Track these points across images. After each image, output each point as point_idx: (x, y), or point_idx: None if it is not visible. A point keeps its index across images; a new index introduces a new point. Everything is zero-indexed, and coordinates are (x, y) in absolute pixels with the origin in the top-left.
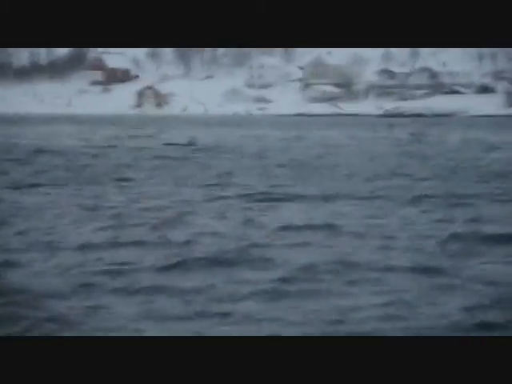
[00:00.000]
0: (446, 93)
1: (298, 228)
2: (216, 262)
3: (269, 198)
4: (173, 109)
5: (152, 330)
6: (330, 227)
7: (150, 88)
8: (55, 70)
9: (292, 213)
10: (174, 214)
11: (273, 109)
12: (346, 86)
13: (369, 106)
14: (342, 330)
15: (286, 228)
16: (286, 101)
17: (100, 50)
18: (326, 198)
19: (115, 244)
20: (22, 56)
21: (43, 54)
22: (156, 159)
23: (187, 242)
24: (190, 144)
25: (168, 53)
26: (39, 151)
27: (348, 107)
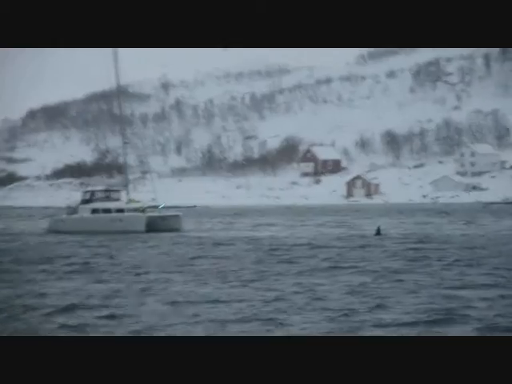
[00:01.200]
0: None
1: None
2: None
3: (457, 288)
4: (382, 197)
5: None
6: None
7: (359, 178)
8: (267, 163)
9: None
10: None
11: (487, 197)
12: None
13: None
14: None
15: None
16: (501, 188)
17: (310, 141)
18: None
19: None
20: (236, 150)
21: (256, 148)
22: (358, 249)
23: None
24: (378, 233)
25: (377, 142)
26: (250, 241)
27: None
